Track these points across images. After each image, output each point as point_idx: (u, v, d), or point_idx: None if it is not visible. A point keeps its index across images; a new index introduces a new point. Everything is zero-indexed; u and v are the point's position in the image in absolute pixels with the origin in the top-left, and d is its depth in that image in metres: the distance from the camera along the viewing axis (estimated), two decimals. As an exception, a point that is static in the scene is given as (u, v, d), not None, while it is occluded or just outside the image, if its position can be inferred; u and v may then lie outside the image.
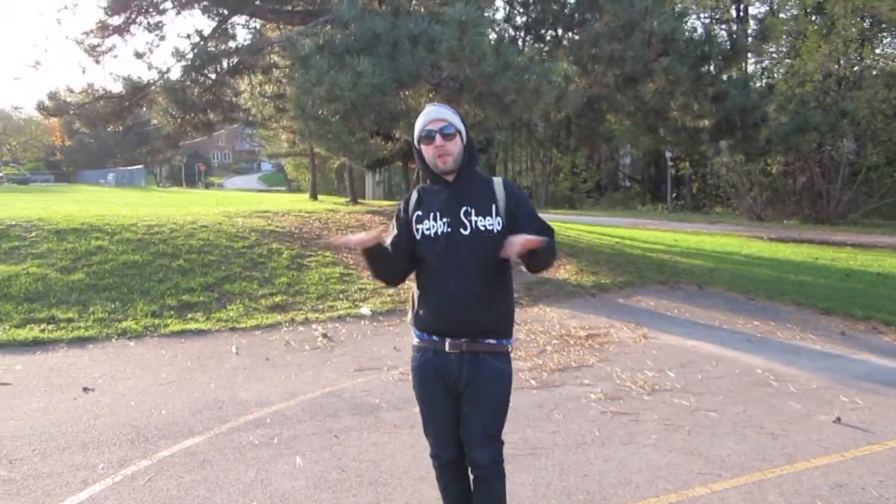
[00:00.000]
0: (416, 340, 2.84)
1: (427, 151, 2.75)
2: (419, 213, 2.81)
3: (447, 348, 2.72)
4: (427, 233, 2.76)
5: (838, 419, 4.74)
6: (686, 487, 3.70)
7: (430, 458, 2.93)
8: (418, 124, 2.77)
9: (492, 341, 2.74)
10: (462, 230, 2.71)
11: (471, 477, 2.83)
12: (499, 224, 2.71)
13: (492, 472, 2.81)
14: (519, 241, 2.53)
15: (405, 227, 2.83)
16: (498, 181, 2.84)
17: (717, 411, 4.94)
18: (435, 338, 2.76)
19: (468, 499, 2.88)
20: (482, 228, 2.70)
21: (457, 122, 2.75)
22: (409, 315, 2.89)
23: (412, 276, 2.89)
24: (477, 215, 2.72)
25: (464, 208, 2.73)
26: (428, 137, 2.72)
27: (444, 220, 2.73)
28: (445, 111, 2.76)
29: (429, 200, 2.81)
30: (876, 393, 5.38)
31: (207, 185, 62.64)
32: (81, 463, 3.97)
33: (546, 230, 2.73)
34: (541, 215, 2.81)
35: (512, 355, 2.87)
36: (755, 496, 3.60)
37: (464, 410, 2.78)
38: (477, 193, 2.76)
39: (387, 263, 2.83)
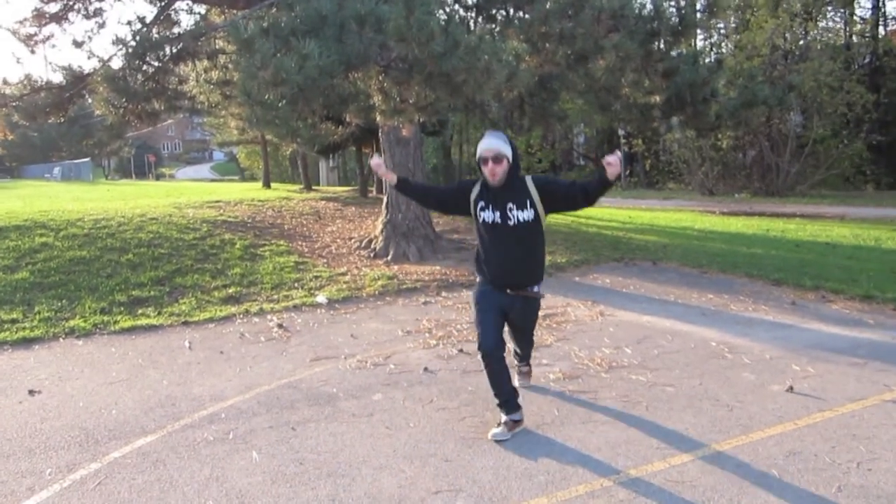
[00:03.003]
0: (480, 278, 4.35)
1: (483, 168, 4.08)
2: (482, 203, 4.14)
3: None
4: (487, 220, 4.13)
5: (791, 388, 4.82)
6: (645, 463, 3.72)
7: (480, 351, 4.11)
8: (479, 147, 4.09)
9: (532, 288, 4.23)
10: (508, 221, 4.07)
11: (514, 362, 4.69)
12: (532, 214, 4.07)
13: (527, 359, 4.86)
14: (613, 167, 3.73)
15: (461, 195, 4.27)
16: (528, 179, 4.11)
17: (673, 386, 4.98)
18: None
19: (508, 375, 4.14)
20: (521, 220, 4.06)
21: (506, 150, 4.03)
22: (476, 267, 4.39)
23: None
24: (517, 210, 4.06)
25: (508, 204, 4.07)
26: (483, 161, 4.06)
27: (497, 212, 4.09)
28: (498, 142, 4.03)
29: (487, 195, 4.13)
30: (826, 361, 5.49)
31: (158, 177, 61.28)
32: (27, 469, 3.82)
33: (574, 184, 4.09)
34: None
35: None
36: (713, 468, 3.63)
37: (514, 325, 4.40)
38: (517, 193, 4.07)
39: (423, 200, 4.77)
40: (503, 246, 4.10)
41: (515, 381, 4.62)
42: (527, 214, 4.05)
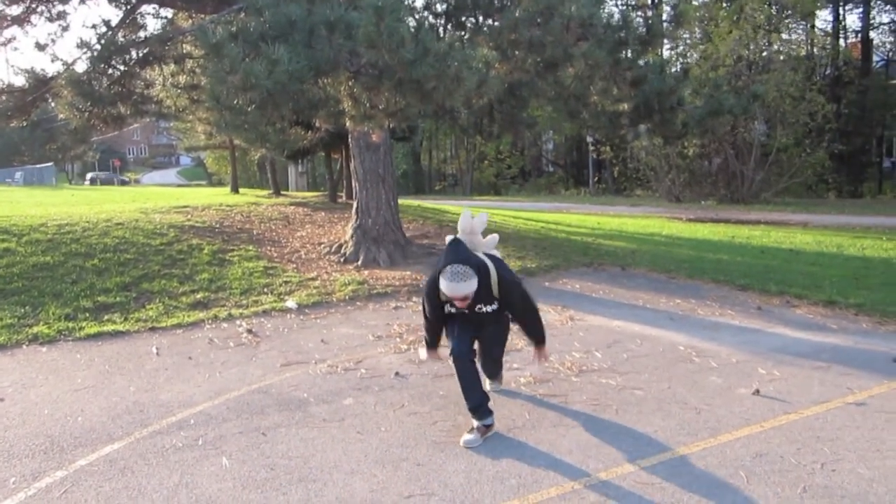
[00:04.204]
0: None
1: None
2: (447, 304, 4.16)
3: None
4: (452, 311, 4.20)
5: (757, 391, 4.90)
6: (615, 465, 3.76)
7: (448, 355, 4.27)
8: (443, 288, 3.97)
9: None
10: (474, 312, 4.15)
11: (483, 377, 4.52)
12: (496, 305, 4.18)
13: (493, 378, 4.85)
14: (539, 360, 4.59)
15: (436, 300, 4.18)
16: (492, 267, 4.12)
17: (642, 389, 5.04)
18: None
19: (479, 380, 4.22)
20: (486, 311, 4.18)
21: (473, 287, 3.94)
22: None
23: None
24: (484, 305, 4.14)
25: (477, 305, 4.11)
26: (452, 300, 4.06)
27: (464, 310, 4.12)
28: (462, 287, 3.90)
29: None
30: (791, 364, 5.59)
31: (123, 182, 60.38)
32: (-11, 478, 3.75)
33: (516, 311, 4.33)
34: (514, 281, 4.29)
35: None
36: (681, 470, 3.68)
37: (483, 341, 4.44)
38: (482, 290, 4.03)
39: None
40: (467, 322, 4.25)
41: (487, 386, 4.63)
42: (492, 307, 4.20)
